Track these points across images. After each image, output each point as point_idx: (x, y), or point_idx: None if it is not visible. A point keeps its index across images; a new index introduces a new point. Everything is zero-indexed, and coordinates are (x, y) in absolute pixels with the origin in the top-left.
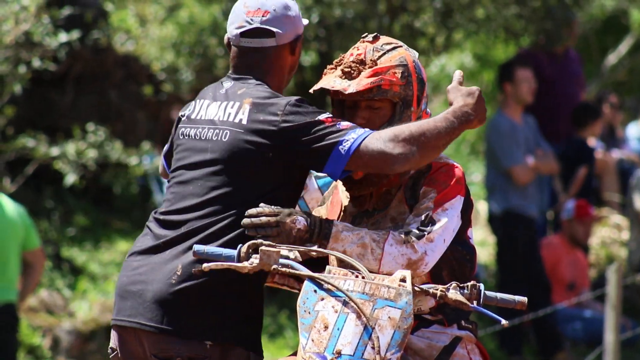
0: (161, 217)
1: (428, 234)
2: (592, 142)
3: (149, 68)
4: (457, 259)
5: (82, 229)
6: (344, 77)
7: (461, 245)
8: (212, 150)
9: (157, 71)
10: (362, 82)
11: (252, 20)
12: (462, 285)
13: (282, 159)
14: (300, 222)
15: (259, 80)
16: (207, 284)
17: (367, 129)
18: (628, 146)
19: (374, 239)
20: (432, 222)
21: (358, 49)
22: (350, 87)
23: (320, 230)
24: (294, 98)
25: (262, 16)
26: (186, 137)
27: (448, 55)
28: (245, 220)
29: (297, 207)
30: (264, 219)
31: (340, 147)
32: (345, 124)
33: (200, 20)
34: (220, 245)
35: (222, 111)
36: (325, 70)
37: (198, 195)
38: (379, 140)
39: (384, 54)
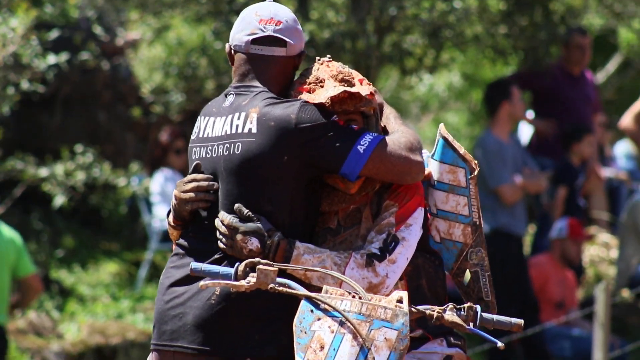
0: (190, 239)
1: (390, 255)
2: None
3: (138, 89)
4: (432, 267)
5: (70, 251)
6: (346, 85)
7: (429, 253)
8: (225, 166)
9: (145, 93)
10: (363, 88)
11: (265, 28)
12: (458, 306)
13: (297, 161)
14: (253, 243)
15: (263, 88)
16: (248, 302)
17: (374, 133)
18: (616, 164)
19: (335, 263)
20: (395, 240)
21: (328, 66)
22: (362, 91)
23: (276, 254)
24: (301, 100)
25: (276, 25)
26: (198, 157)
27: (436, 75)
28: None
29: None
30: (222, 228)
31: (359, 146)
32: (355, 126)
33: (189, 41)
34: None
35: (228, 125)
36: (294, 93)
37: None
38: (397, 145)
39: (350, 69)
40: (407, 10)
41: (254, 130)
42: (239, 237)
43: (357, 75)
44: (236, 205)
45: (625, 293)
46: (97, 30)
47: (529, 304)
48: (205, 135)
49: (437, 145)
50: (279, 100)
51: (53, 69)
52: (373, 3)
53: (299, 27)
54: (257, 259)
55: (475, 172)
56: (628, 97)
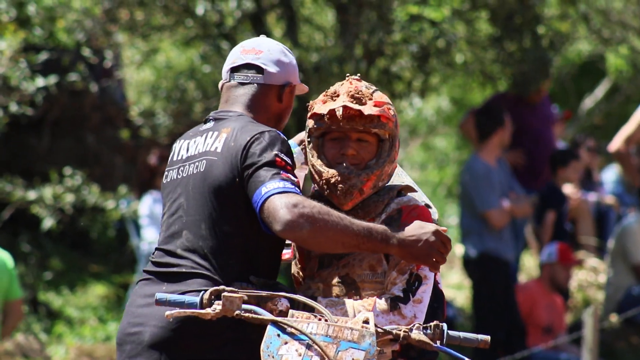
0: (156, 258)
1: (414, 295)
2: (566, 187)
3: (126, 112)
4: (430, 308)
5: (58, 273)
6: (354, 102)
7: (433, 295)
8: (192, 183)
9: (134, 116)
10: (372, 108)
11: (244, 57)
12: (425, 325)
13: (243, 184)
14: (283, 304)
15: (242, 112)
16: (203, 323)
17: (294, 187)
18: (604, 190)
19: (358, 311)
20: (418, 279)
21: (351, 84)
22: (365, 110)
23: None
24: (271, 130)
25: (255, 54)
26: (169, 180)
27: (425, 99)
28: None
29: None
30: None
31: (264, 187)
32: (284, 173)
33: (177, 64)
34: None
35: (201, 144)
36: (312, 103)
37: (185, 233)
38: (285, 199)
39: (374, 92)
40: (395, 35)
41: (219, 150)
42: (269, 301)
43: (379, 98)
44: (251, 277)
45: (614, 318)
46: (86, 52)
47: (516, 329)
48: (179, 158)
49: None
50: (249, 123)
51: (42, 92)
52: (361, 28)
53: (285, 58)
54: (221, 287)
55: None
56: (616, 123)
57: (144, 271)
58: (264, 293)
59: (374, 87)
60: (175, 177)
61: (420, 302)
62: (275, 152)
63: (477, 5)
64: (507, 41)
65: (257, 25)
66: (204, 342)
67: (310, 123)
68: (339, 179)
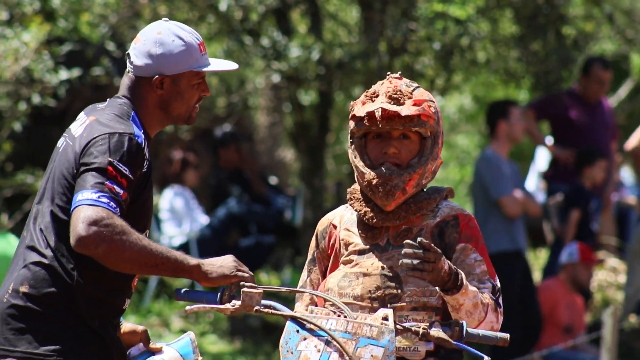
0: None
1: (500, 306)
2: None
3: None
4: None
5: None
6: (392, 103)
7: None
8: (54, 160)
9: None
10: (410, 107)
11: (132, 46)
12: (444, 322)
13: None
14: (446, 264)
15: (127, 101)
16: (32, 304)
17: (108, 202)
18: (625, 189)
19: (482, 302)
20: (499, 291)
21: (390, 83)
22: (402, 110)
23: (456, 278)
24: (123, 133)
25: (134, 44)
26: (57, 146)
27: (447, 97)
28: (405, 261)
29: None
30: (420, 253)
31: (80, 194)
32: (110, 183)
33: None
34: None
35: (77, 123)
36: (353, 104)
37: (36, 207)
38: (89, 213)
39: (415, 89)
40: (418, 32)
41: (77, 135)
42: (441, 257)
43: (419, 96)
44: (420, 239)
45: (633, 318)
46: (110, 46)
47: (535, 325)
48: (69, 128)
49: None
50: (112, 120)
51: (65, 84)
52: (385, 24)
53: (158, 50)
54: (241, 282)
55: None
56: (639, 122)
57: None
58: (284, 289)
59: (415, 85)
60: (58, 146)
61: (502, 314)
62: (110, 158)
63: (501, 3)
64: (531, 40)
65: (281, 20)
66: (28, 321)
67: (351, 124)
68: (380, 180)
